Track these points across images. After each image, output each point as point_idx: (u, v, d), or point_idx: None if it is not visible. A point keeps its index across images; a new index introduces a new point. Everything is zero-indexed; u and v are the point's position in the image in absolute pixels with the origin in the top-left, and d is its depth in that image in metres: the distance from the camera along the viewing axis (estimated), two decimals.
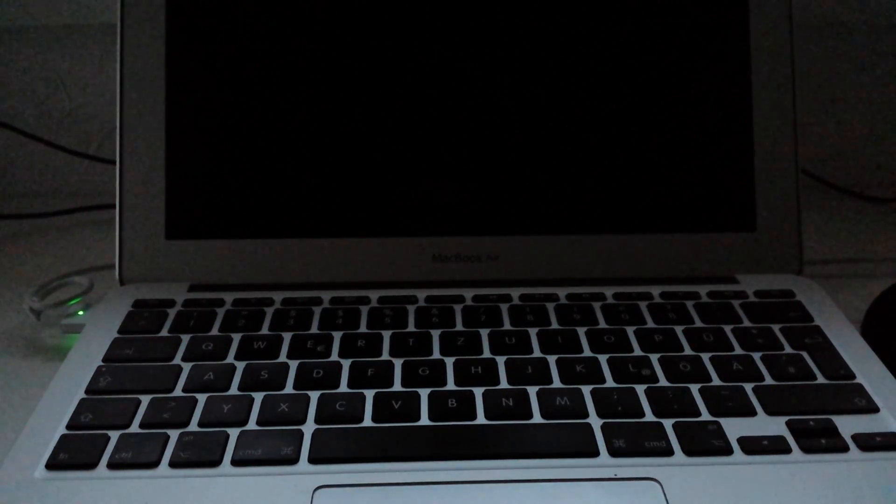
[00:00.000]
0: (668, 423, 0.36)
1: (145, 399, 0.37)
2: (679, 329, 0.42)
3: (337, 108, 0.47)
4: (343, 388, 0.38)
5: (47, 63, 0.65)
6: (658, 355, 0.40)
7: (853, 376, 0.39)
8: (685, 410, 0.37)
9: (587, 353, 0.41)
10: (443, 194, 0.47)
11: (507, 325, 0.43)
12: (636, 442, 0.35)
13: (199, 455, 0.34)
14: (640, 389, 0.38)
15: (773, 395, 0.38)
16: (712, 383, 0.39)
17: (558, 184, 0.47)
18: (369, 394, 0.38)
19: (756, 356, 0.40)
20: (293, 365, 0.40)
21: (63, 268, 0.52)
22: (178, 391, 0.38)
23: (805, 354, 0.41)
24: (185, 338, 0.42)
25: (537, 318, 0.43)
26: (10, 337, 0.47)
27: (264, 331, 0.43)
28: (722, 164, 0.48)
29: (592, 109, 0.47)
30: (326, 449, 0.34)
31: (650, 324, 0.43)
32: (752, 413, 0.37)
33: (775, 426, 0.36)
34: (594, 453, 0.34)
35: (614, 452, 0.34)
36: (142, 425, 0.36)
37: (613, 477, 0.33)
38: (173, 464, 0.34)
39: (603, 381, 0.39)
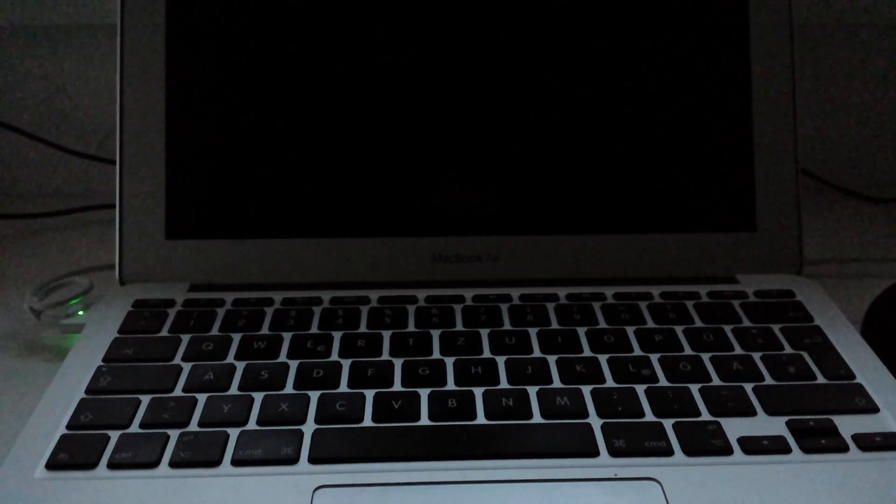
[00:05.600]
0: (668, 423, 0.36)
1: (145, 399, 0.37)
2: (679, 329, 0.42)
3: (337, 108, 0.47)
4: (343, 388, 0.38)
5: (47, 63, 0.65)
6: (658, 355, 0.40)
7: (853, 376, 0.39)
8: (685, 410, 0.37)
9: (587, 353, 0.41)
10: (443, 194, 0.47)
11: (507, 325, 0.43)
12: (636, 442, 0.35)
13: (199, 455, 0.34)
14: (640, 389, 0.38)
15: (773, 395, 0.38)
16: (712, 383, 0.39)
17: (558, 184, 0.47)
18: (369, 394, 0.38)
19: (756, 356, 0.40)
20: (293, 365, 0.40)
21: (63, 268, 0.52)
22: (178, 391, 0.38)
23: (805, 354, 0.41)
24: (185, 338, 0.42)
25: (537, 318, 0.43)
26: (10, 337, 0.47)
27: (264, 331, 0.43)
28: (722, 164, 0.48)
29: (593, 110, 0.47)
30: (326, 449, 0.34)
31: (650, 324, 0.43)
32: (752, 413, 0.37)
33: (775, 426, 0.36)
34: (594, 453, 0.34)
35: (614, 452, 0.34)
36: (142, 425, 0.36)
37: (613, 477, 0.33)
38: (173, 464, 0.34)
39: (603, 381, 0.39)
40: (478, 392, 0.38)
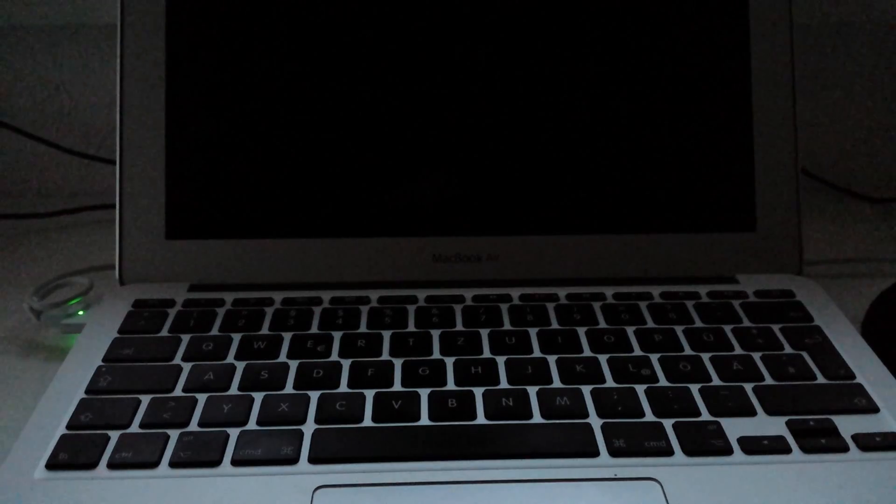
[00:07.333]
0: (668, 423, 0.36)
1: (145, 399, 0.37)
2: (679, 329, 0.42)
3: (337, 107, 0.47)
4: (343, 388, 0.38)
5: (47, 63, 0.65)
6: (658, 355, 0.40)
7: (853, 376, 0.39)
8: (685, 410, 0.37)
9: (587, 353, 0.41)
10: (443, 194, 0.47)
11: (507, 325, 0.43)
12: (636, 442, 0.35)
13: (199, 455, 0.34)
14: (640, 389, 0.38)
15: (773, 395, 0.38)
16: (712, 383, 0.39)
17: (559, 184, 0.47)
18: (369, 394, 0.38)
19: (756, 356, 0.40)
20: (293, 365, 0.40)
21: (63, 268, 0.52)
22: (178, 391, 0.38)
23: (805, 354, 0.41)
24: (185, 338, 0.42)
25: (537, 318, 0.43)
26: (10, 337, 0.47)
27: (264, 331, 0.43)
28: (722, 164, 0.48)
29: (593, 110, 0.47)
30: (326, 449, 0.34)
31: (650, 324, 0.43)
32: (752, 413, 0.37)
33: (775, 426, 0.36)
34: (594, 453, 0.34)
35: (614, 452, 0.34)
36: (142, 425, 0.36)
37: (613, 477, 0.33)
38: (173, 464, 0.34)
39: (603, 381, 0.39)
40: (478, 392, 0.38)
